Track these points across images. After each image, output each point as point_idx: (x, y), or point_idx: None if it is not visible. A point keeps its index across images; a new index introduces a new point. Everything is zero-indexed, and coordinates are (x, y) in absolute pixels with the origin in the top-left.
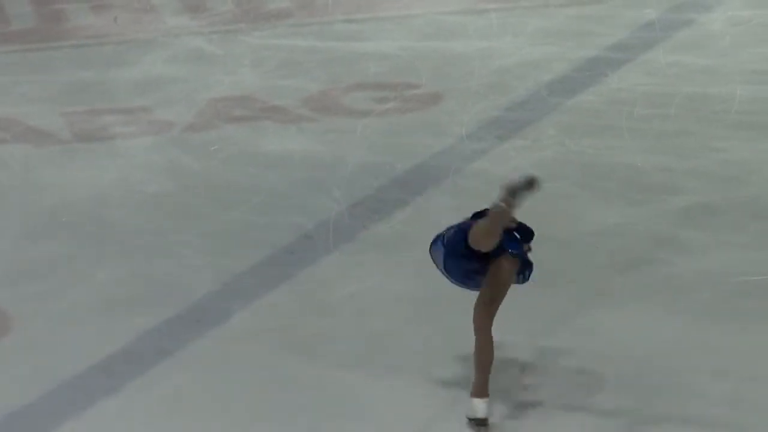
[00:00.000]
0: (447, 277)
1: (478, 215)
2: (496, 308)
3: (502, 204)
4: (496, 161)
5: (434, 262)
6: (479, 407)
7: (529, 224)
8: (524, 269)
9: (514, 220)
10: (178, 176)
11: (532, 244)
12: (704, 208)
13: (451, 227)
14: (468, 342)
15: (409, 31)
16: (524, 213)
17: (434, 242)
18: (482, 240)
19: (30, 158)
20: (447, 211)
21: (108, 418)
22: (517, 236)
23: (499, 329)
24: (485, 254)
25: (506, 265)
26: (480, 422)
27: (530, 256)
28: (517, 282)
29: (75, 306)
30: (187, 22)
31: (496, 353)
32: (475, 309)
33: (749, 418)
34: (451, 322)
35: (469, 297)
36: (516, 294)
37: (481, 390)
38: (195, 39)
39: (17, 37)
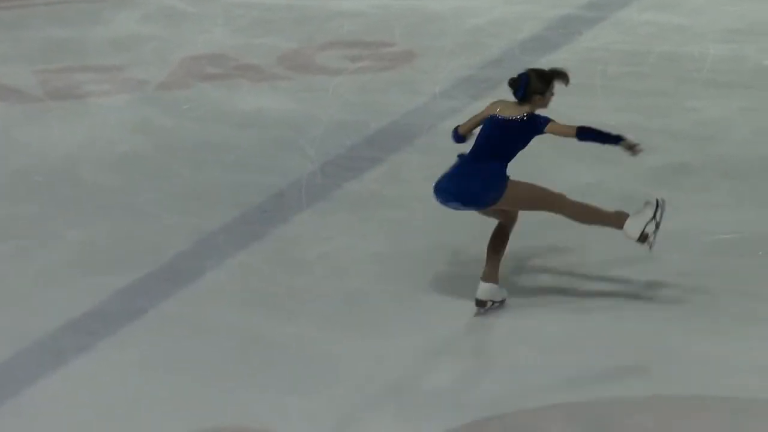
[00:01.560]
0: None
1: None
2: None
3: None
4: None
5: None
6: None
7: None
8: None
9: None
10: (150, 135)
11: None
12: (676, 168)
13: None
14: (442, 296)
15: None
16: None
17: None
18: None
19: (2, 117)
20: (420, 169)
21: (80, 377)
22: None
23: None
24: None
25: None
26: (480, 303)
27: None
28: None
29: (47, 265)
30: None
31: None
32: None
33: (711, 375)
34: (424, 279)
35: (439, 251)
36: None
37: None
38: None
39: None
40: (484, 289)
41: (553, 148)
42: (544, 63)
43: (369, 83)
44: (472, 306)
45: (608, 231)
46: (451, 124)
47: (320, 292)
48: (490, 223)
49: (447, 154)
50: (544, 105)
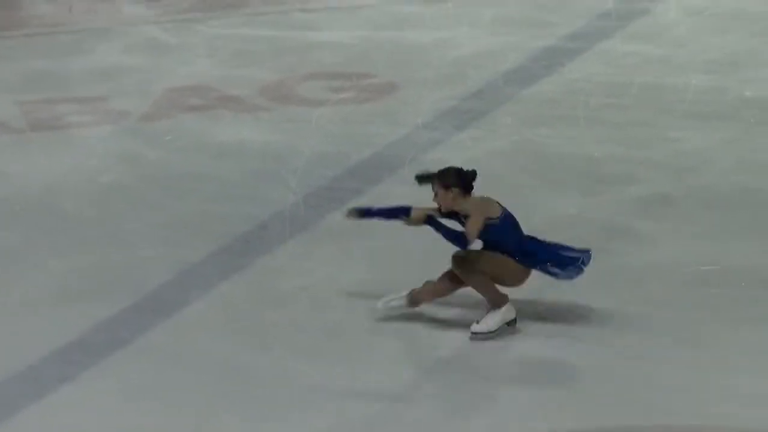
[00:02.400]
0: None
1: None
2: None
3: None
4: (452, 151)
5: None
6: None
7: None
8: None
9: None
10: (133, 166)
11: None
12: (658, 198)
13: None
14: (424, 327)
15: (364, 21)
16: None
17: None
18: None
19: None
20: (403, 200)
21: (63, 407)
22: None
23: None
24: None
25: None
26: (512, 323)
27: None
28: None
29: (29, 296)
30: (142, 12)
31: None
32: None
33: (694, 403)
34: (406, 311)
35: (422, 283)
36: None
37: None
38: (150, 28)
39: None
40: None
41: (534, 178)
42: (527, 94)
43: (351, 114)
44: (452, 337)
45: (595, 265)
46: (433, 155)
47: (302, 323)
48: None
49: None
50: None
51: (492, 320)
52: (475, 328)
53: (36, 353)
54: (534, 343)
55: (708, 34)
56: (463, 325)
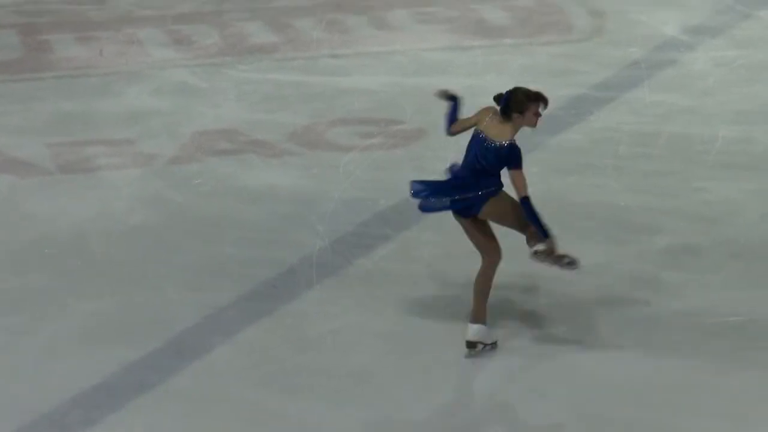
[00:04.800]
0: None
1: None
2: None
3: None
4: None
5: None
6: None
7: (511, 263)
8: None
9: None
10: (161, 209)
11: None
12: (684, 248)
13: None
14: (446, 379)
15: (393, 67)
16: (506, 248)
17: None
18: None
19: (14, 189)
20: (430, 246)
21: None
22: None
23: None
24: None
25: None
26: (470, 345)
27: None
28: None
29: (55, 338)
30: (172, 55)
31: None
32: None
33: None
34: (432, 358)
35: (450, 331)
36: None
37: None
38: (180, 72)
39: (3, 68)
40: (473, 330)
41: (562, 226)
42: (555, 143)
43: (379, 160)
44: (481, 386)
45: (622, 314)
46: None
47: (328, 369)
48: (504, 303)
49: (457, 232)
50: (528, 124)
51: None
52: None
53: (61, 396)
54: (560, 391)
55: (737, 84)
56: (493, 370)
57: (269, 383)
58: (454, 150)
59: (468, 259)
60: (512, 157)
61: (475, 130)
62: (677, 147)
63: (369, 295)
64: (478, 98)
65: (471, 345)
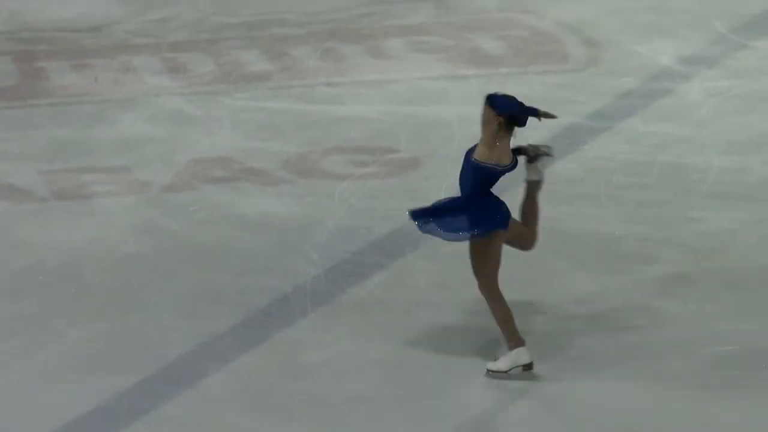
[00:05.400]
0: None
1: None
2: (494, 274)
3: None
4: None
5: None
6: (523, 355)
7: (506, 291)
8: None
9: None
10: (155, 237)
11: None
12: (679, 278)
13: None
14: (440, 408)
15: (388, 95)
16: (504, 276)
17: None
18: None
19: (7, 216)
20: (425, 275)
21: None
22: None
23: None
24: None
25: (492, 240)
26: (527, 367)
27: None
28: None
29: (48, 365)
30: (167, 83)
31: None
32: (478, 279)
33: None
34: (426, 387)
35: (444, 360)
36: (491, 359)
37: (516, 340)
38: (175, 99)
39: None
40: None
41: (555, 255)
42: (549, 172)
43: (374, 189)
44: (477, 413)
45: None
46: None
47: (322, 397)
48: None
49: (452, 260)
50: (499, 140)
51: (505, 362)
52: (490, 365)
53: (54, 423)
54: (554, 422)
55: (731, 114)
56: (486, 400)
57: (264, 411)
58: (451, 179)
59: (463, 288)
60: (467, 160)
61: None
62: (672, 177)
63: (363, 323)
64: (474, 127)
65: (529, 367)
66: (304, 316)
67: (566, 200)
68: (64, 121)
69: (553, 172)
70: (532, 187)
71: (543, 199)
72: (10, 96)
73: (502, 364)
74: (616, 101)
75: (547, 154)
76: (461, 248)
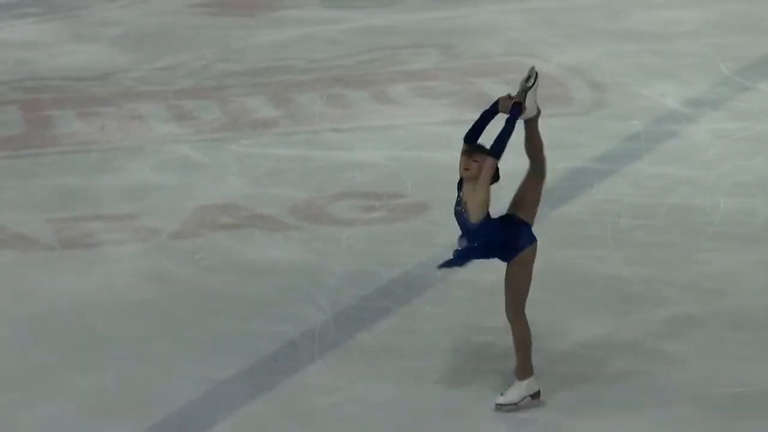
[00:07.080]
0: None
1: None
2: (526, 297)
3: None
4: (481, 271)
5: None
6: (532, 384)
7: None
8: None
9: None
10: (163, 284)
11: None
12: (687, 320)
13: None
14: None
15: (394, 141)
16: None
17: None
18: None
19: (15, 265)
20: (432, 320)
21: None
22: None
23: None
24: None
25: (527, 258)
26: (535, 395)
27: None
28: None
29: (56, 414)
30: (174, 130)
31: None
32: (511, 304)
33: None
34: (435, 431)
35: (451, 404)
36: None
37: (527, 370)
38: (182, 147)
39: (5, 143)
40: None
41: (563, 298)
42: (555, 215)
43: (381, 234)
44: None
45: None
46: (463, 276)
47: None
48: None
49: (459, 305)
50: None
51: (515, 393)
52: (499, 399)
53: None
54: None
55: (737, 156)
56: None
57: None
58: (456, 225)
59: (470, 332)
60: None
61: None
62: (678, 219)
63: (371, 368)
64: None
65: (536, 396)
66: (312, 362)
67: (573, 243)
68: (71, 170)
69: (559, 215)
70: (533, 121)
71: (550, 241)
72: (17, 145)
73: (512, 395)
74: (621, 144)
75: (533, 82)
76: (468, 293)
